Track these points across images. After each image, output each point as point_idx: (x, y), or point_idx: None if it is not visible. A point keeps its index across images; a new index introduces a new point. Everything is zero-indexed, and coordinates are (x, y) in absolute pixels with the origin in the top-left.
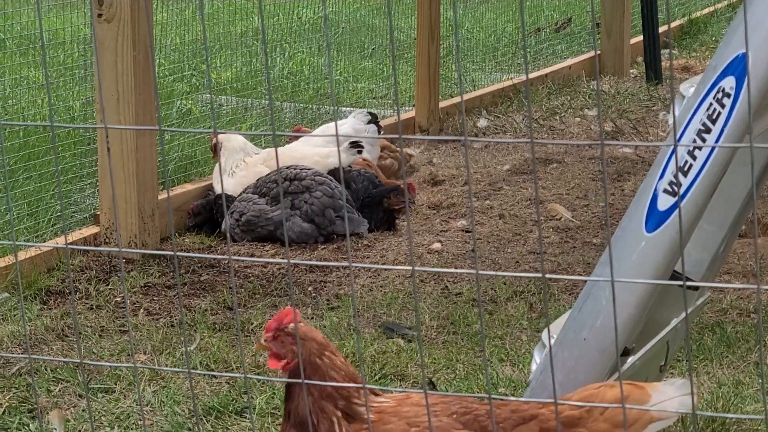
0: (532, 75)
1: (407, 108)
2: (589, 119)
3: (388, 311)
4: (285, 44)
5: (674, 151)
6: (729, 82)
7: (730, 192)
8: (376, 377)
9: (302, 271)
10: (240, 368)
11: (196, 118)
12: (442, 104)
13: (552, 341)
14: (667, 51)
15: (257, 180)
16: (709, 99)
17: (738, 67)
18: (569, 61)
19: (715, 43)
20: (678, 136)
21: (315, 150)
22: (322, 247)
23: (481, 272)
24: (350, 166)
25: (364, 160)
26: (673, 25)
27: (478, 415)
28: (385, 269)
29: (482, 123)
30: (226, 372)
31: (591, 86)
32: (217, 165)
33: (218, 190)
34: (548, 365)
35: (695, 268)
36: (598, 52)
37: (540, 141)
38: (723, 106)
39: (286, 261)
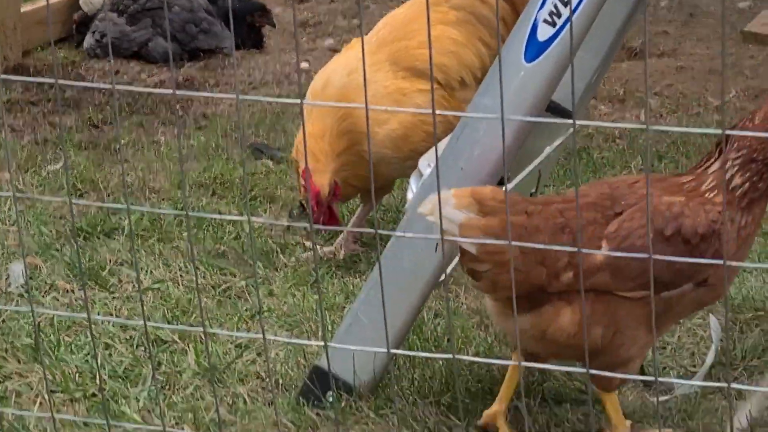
0: None
1: None
2: None
3: (256, 132)
4: None
5: None
6: None
7: (607, 20)
8: (245, 200)
9: (168, 88)
10: (107, 189)
11: None
12: None
13: (429, 170)
14: None
15: None
16: None
17: None
18: None
19: None
20: None
21: None
22: (189, 64)
23: (370, 105)
24: None
25: None
26: None
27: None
28: (271, 101)
29: None
30: (93, 193)
31: None
32: None
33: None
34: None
35: (569, 97)
36: None
37: None
38: None
39: (171, 92)
